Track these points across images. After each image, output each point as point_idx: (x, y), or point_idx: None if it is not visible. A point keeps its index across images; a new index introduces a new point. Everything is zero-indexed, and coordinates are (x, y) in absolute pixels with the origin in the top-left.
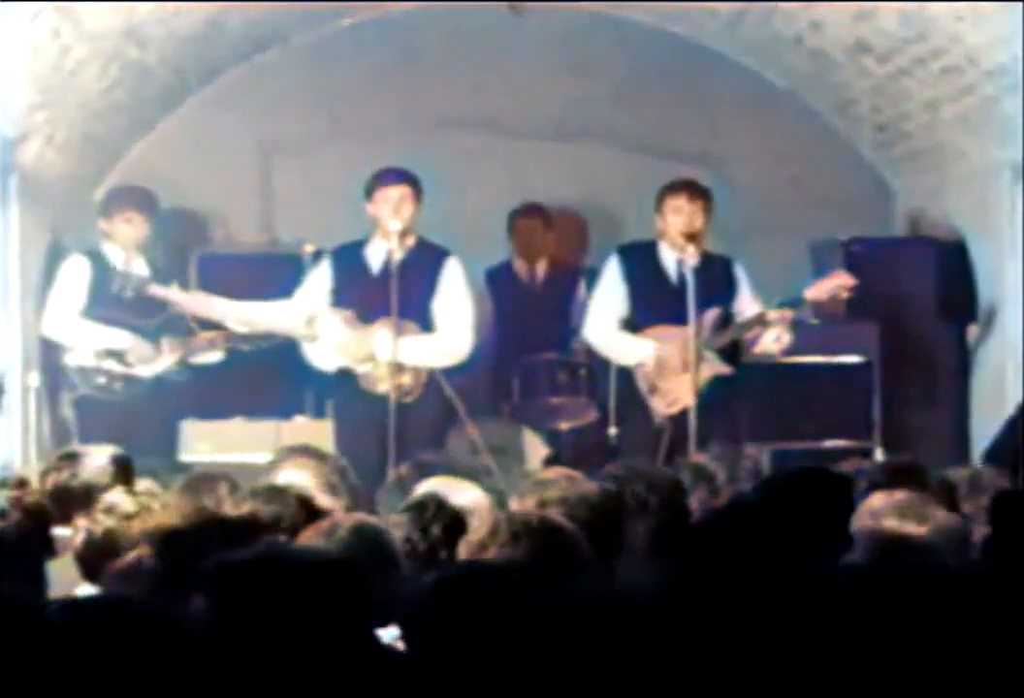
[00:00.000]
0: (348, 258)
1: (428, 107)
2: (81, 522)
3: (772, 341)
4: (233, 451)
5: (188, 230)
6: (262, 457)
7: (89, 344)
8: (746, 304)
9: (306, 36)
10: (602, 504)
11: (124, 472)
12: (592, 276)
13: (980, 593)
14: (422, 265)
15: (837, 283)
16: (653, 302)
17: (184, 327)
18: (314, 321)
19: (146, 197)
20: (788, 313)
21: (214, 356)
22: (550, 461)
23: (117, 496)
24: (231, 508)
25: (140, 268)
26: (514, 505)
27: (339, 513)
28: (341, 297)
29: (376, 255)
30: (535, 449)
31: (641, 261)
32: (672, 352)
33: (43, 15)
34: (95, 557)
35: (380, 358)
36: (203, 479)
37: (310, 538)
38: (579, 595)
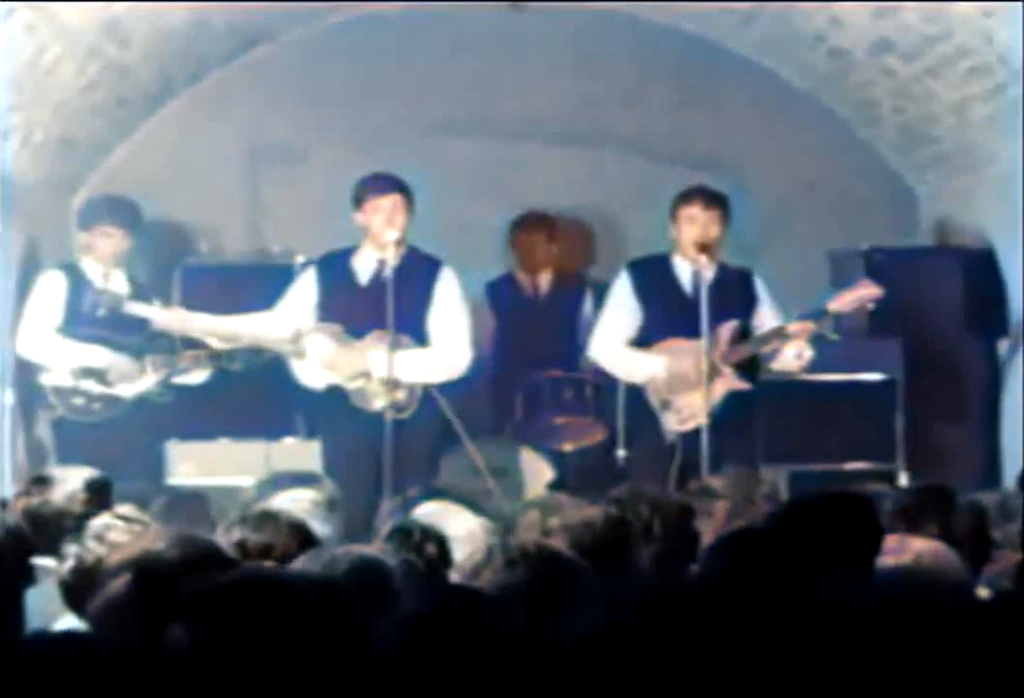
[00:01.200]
0: (334, 268)
1: (425, 109)
2: (71, 549)
3: (793, 357)
4: (220, 474)
5: (171, 240)
6: (250, 480)
7: (66, 363)
8: (765, 317)
9: (296, 33)
10: (607, 530)
11: (101, 496)
12: (599, 288)
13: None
14: (415, 275)
15: (862, 293)
16: (666, 316)
17: (168, 344)
18: (301, 337)
19: (128, 209)
20: (809, 326)
21: (199, 375)
22: (554, 484)
23: (107, 522)
24: (218, 535)
25: (119, 283)
26: (513, 532)
27: (333, 542)
28: (328, 310)
29: (365, 265)
30: (538, 471)
31: (653, 275)
32: (686, 366)
33: (17, 11)
34: (81, 586)
35: (374, 373)
36: (188, 503)
37: (304, 569)
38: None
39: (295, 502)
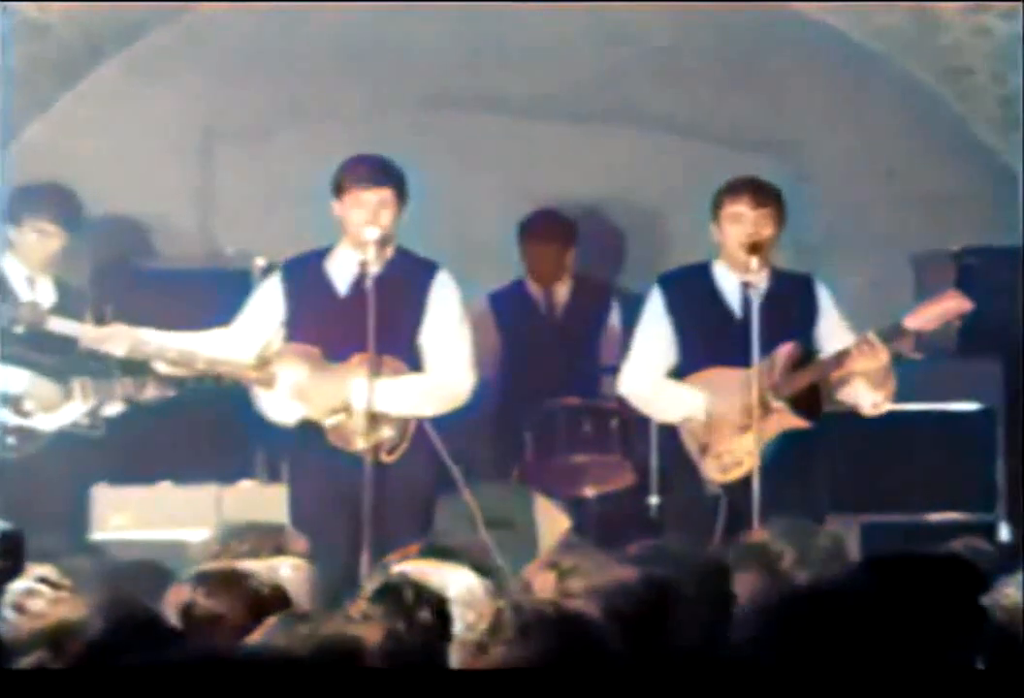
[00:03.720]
0: (305, 275)
1: (415, 81)
2: None
3: (868, 406)
4: (160, 526)
5: (103, 240)
6: (199, 534)
7: None
8: (830, 336)
9: None
10: (648, 595)
11: (12, 554)
12: (629, 300)
13: None
14: (404, 283)
15: (947, 307)
16: (708, 339)
17: (101, 366)
18: (268, 362)
19: (67, 202)
20: (883, 350)
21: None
22: (572, 540)
23: (29, 587)
24: (159, 601)
25: (45, 292)
26: (525, 595)
27: (303, 608)
28: (297, 327)
29: (343, 270)
30: (553, 523)
31: (690, 289)
32: (729, 403)
33: None
34: None
35: (356, 406)
36: (122, 564)
37: (265, 643)
38: None
39: (256, 560)
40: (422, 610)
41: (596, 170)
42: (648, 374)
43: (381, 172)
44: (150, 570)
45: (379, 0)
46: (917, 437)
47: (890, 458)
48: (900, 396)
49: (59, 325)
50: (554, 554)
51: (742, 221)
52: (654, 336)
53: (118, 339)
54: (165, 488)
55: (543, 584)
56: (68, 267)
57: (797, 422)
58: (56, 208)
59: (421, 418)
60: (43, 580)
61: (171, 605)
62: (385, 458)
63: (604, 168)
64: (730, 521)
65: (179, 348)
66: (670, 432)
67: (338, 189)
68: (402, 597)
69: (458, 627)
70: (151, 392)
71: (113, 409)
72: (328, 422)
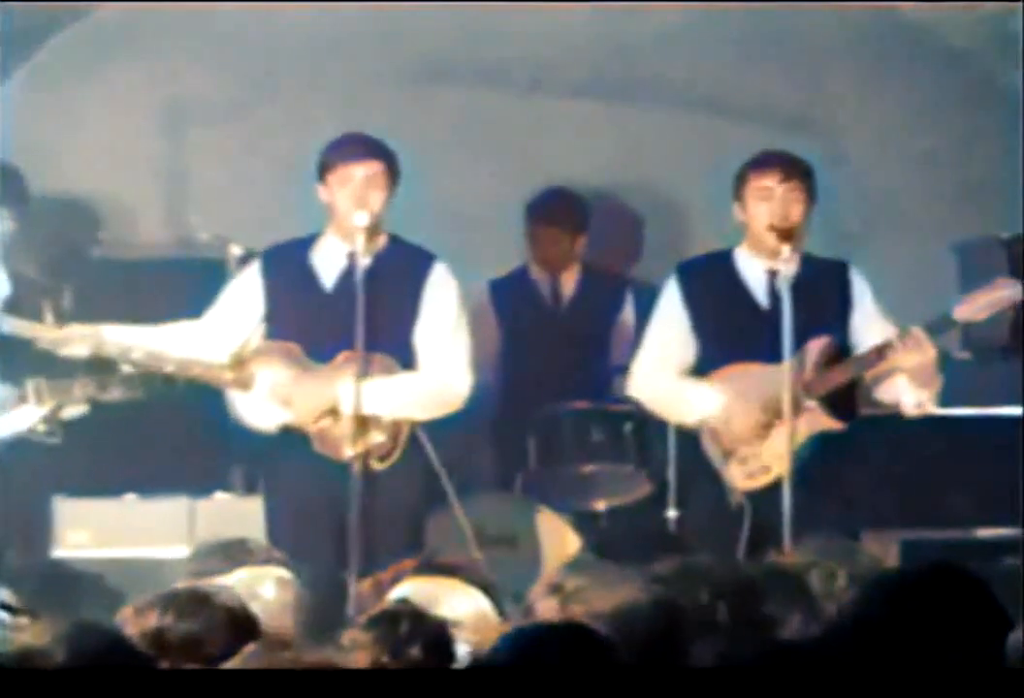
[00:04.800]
0: (287, 265)
1: (406, 52)
2: None
3: (911, 406)
4: (125, 543)
5: (65, 226)
6: (169, 551)
7: None
8: (866, 329)
9: None
10: (658, 618)
11: None
12: (643, 293)
13: None
14: (397, 275)
15: (1000, 296)
16: (730, 332)
17: (60, 366)
18: (245, 362)
19: (14, 183)
20: (928, 345)
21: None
22: (581, 558)
23: None
24: (128, 625)
25: None
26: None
27: (285, 632)
28: (279, 323)
29: (330, 261)
30: (559, 539)
31: (711, 279)
32: (754, 402)
33: None
34: None
35: (344, 409)
36: (87, 583)
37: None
38: None
39: (235, 579)
40: (413, 646)
41: (608, 150)
42: (661, 372)
43: (370, 146)
44: (114, 590)
45: None
46: (963, 444)
47: (933, 467)
48: (945, 399)
49: (13, 325)
50: (559, 575)
51: (769, 197)
52: (669, 330)
53: (79, 340)
54: (131, 501)
55: (547, 608)
56: (22, 257)
57: (830, 423)
58: (3, 189)
59: (414, 422)
60: (6, 607)
61: (137, 629)
62: (375, 465)
63: (616, 147)
64: (754, 534)
65: (147, 348)
66: (690, 438)
67: (323, 169)
68: (397, 628)
69: (462, 652)
70: (115, 393)
71: (73, 413)
72: (313, 428)
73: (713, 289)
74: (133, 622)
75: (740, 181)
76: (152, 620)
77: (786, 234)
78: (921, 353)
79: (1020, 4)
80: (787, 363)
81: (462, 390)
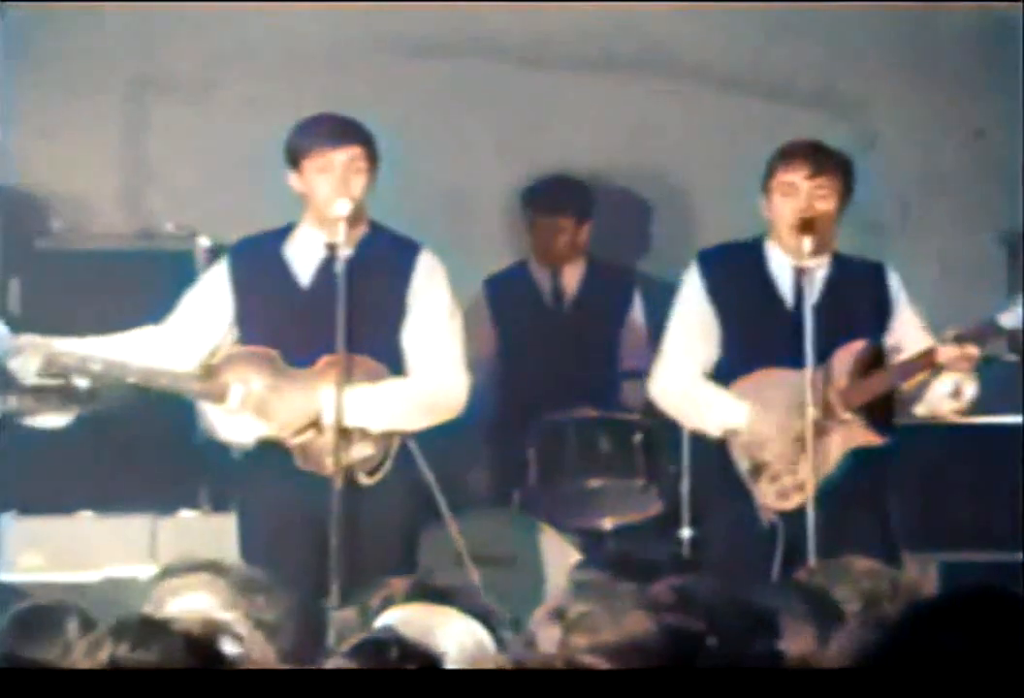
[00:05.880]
0: (260, 259)
1: (393, 22)
2: None
3: (947, 394)
4: (80, 565)
5: (11, 216)
6: (129, 572)
7: None
8: (906, 335)
9: None
10: (667, 651)
11: None
12: (653, 289)
13: None
14: (381, 268)
15: None
16: (757, 333)
17: (6, 375)
18: (217, 370)
19: None
20: (972, 349)
21: (56, 419)
22: (583, 580)
23: None
24: (82, 655)
25: None
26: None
27: (263, 660)
28: (251, 324)
29: (306, 254)
30: (562, 560)
31: (738, 270)
32: (786, 412)
33: None
34: None
35: (327, 420)
36: (37, 609)
37: None
38: None
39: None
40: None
41: (614, 130)
42: (686, 374)
43: (346, 128)
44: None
45: None
46: (1009, 459)
47: (976, 484)
48: (988, 408)
49: None
50: (562, 600)
51: (794, 193)
52: (692, 325)
53: (29, 353)
54: (87, 519)
55: (549, 637)
56: None
57: (868, 437)
58: None
59: (404, 433)
60: None
61: (89, 662)
62: (364, 480)
63: (624, 128)
64: (787, 558)
65: (105, 359)
66: (706, 450)
67: (295, 156)
68: (383, 659)
69: None
70: (66, 406)
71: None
72: (294, 441)
73: (739, 282)
74: (86, 653)
75: (767, 175)
76: (105, 652)
77: (807, 225)
78: (965, 360)
79: (1021, 4)
80: (808, 369)
81: (457, 396)
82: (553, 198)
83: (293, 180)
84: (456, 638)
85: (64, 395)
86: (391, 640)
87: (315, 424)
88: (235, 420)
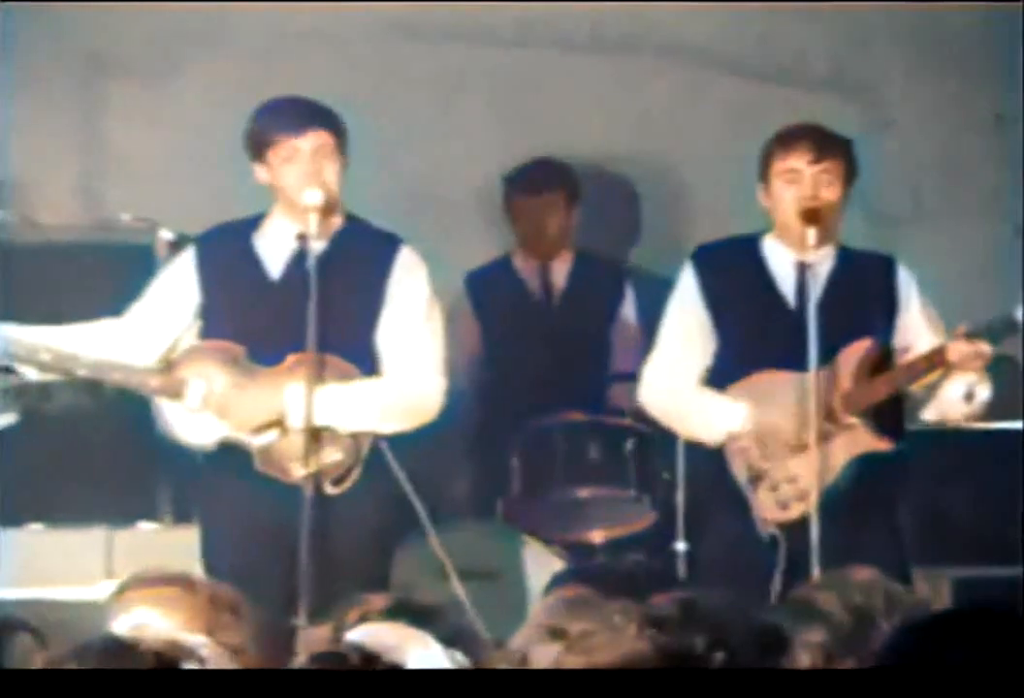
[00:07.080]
0: (226, 251)
1: (370, 5)
2: None
3: (959, 397)
4: (29, 582)
5: None
6: (84, 590)
7: None
8: (916, 334)
9: None
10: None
11: None
12: (646, 285)
13: None
14: (356, 261)
15: None
16: (756, 333)
17: None
18: (176, 365)
19: None
20: (984, 347)
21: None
22: (576, 596)
23: None
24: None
25: None
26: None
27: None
28: (217, 319)
29: (276, 246)
30: (547, 575)
31: (734, 269)
32: (787, 417)
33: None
34: None
35: (293, 421)
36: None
37: None
38: None
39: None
40: None
41: (607, 115)
42: (679, 379)
43: (313, 113)
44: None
45: None
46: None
47: (990, 494)
48: (1003, 413)
49: None
50: (553, 616)
51: (797, 180)
52: (686, 327)
53: None
54: (36, 531)
55: (543, 657)
56: None
57: (875, 443)
58: None
59: (377, 436)
60: None
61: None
62: (330, 489)
63: (618, 112)
64: (788, 572)
65: (56, 349)
66: (702, 458)
67: (257, 147)
68: (347, 665)
69: None
70: (13, 405)
71: None
72: (256, 443)
73: (735, 281)
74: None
75: (765, 161)
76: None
77: (812, 215)
78: (978, 359)
79: (1020, 4)
80: (812, 371)
81: (434, 398)
82: (538, 178)
83: (259, 171)
84: (429, 656)
85: (10, 391)
86: (353, 658)
87: (278, 425)
88: (195, 419)
